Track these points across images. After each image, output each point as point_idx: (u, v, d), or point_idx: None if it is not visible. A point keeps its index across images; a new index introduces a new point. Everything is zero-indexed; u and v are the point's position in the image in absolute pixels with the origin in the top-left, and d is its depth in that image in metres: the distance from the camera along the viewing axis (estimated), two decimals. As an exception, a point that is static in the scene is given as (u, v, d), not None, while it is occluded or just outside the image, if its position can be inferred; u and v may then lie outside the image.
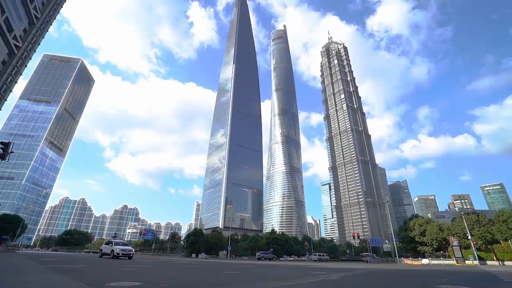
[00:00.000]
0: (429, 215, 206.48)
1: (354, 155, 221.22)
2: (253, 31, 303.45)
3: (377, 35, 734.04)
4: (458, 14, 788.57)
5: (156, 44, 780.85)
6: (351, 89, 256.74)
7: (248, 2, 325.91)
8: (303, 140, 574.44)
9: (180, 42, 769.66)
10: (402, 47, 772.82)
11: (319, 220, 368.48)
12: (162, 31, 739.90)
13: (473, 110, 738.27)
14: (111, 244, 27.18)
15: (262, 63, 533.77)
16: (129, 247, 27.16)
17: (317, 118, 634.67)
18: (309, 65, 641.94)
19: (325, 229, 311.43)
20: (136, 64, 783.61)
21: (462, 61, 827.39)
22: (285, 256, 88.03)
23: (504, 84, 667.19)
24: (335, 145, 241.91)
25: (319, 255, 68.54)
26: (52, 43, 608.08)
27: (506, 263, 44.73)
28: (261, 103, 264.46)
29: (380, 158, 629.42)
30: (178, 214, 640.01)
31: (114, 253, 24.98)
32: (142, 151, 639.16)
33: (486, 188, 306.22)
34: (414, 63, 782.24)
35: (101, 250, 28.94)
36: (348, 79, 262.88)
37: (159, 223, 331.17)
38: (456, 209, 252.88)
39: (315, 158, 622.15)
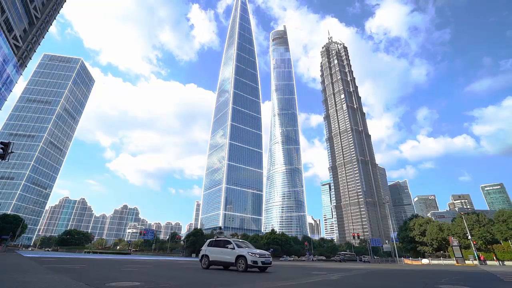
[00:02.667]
0: (429, 215, 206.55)
1: (354, 155, 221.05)
2: (253, 33, 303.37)
3: (376, 37, 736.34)
4: (456, 17, 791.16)
5: (157, 47, 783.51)
6: (351, 89, 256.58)
7: (248, 5, 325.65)
8: (303, 140, 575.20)
9: (181, 44, 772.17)
10: (401, 49, 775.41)
11: (319, 220, 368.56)
12: (163, 34, 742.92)
13: (472, 111, 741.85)
14: (229, 246, 15.21)
15: (262, 65, 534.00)
16: (266, 252, 15.82)
17: (316, 119, 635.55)
18: (308, 67, 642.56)
19: (325, 229, 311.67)
20: (137, 66, 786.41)
21: (460, 63, 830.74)
22: (285, 256, 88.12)
23: (502, 85, 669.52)
24: (335, 145, 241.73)
25: (363, 257, 70.60)
26: (54, 45, 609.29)
27: (506, 263, 44.72)
28: (261, 104, 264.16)
29: (379, 159, 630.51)
30: (178, 214, 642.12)
31: (248, 262, 13.95)
32: (142, 151, 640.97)
33: (486, 188, 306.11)
34: (413, 65, 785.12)
35: (206, 256, 16.31)
36: (348, 79, 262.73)
37: (159, 223, 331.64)
38: (456, 209, 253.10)
39: (315, 158, 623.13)
